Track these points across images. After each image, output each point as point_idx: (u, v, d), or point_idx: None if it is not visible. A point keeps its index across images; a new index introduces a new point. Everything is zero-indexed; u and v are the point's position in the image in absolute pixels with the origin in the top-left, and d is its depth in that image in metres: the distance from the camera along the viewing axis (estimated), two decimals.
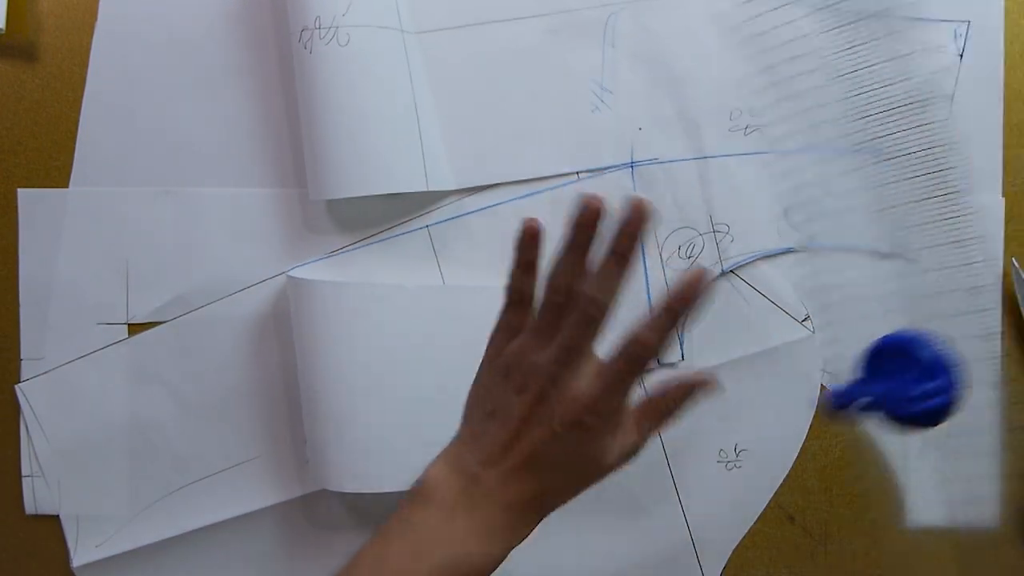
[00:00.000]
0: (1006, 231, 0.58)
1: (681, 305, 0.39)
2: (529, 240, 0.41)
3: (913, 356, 0.45)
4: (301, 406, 0.56)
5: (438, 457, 0.42)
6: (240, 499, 0.57)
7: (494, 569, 0.40)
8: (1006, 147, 0.58)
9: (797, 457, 0.58)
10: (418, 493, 0.41)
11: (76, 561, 0.57)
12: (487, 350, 0.43)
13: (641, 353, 0.39)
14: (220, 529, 0.57)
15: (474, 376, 0.43)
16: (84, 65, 0.56)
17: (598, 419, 0.40)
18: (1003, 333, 0.58)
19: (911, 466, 0.58)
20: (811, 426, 0.58)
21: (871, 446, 0.58)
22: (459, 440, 0.42)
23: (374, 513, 0.58)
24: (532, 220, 0.41)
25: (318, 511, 0.57)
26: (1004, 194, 0.58)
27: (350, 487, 0.54)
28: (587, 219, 0.40)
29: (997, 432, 0.58)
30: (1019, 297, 0.57)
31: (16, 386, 0.57)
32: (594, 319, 0.39)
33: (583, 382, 0.40)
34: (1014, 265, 0.57)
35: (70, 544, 0.57)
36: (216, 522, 0.57)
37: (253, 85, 0.56)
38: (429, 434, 0.53)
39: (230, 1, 0.56)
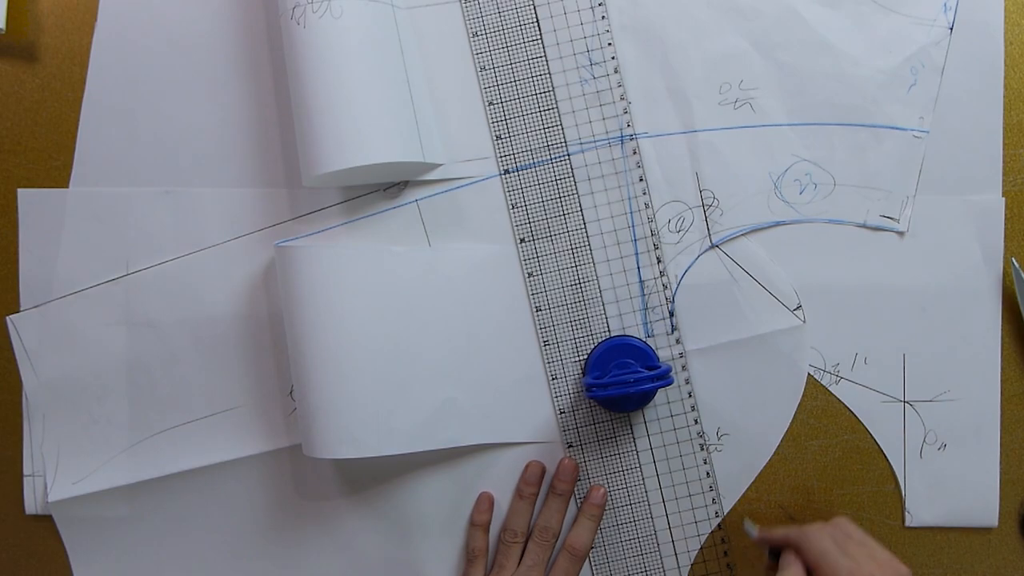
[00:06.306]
0: (1006, 231, 0.58)
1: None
2: (486, 506, 0.57)
3: (630, 351, 0.56)
4: (288, 366, 0.56)
5: None
6: (220, 447, 0.57)
7: None
8: (1006, 147, 0.58)
9: (797, 458, 0.58)
10: None
11: (51, 496, 0.57)
12: None
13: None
14: (197, 475, 0.57)
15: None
16: (84, 65, 0.56)
17: None
18: (1003, 333, 0.58)
19: (910, 466, 0.58)
20: (812, 427, 0.58)
21: (871, 446, 0.58)
22: None
23: (351, 469, 0.58)
24: (486, 492, 0.57)
25: (296, 463, 0.58)
26: (1004, 194, 0.58)
27: (341, 453, 0.53)
28: (532, 478, 0.57)
29: (996, 432, 0.58)
30: (1019, 297, 0.57)
31: (7, 317, 0.57)
32: (548, 541, 0.56)
33: None
34: (1014, 265, 0.57)
35: (48, 479, 0.57)
36: (194, 468, 0.57)
37: (253, 85, 0.57)
38: (414, 398, 0.56)
39: (230, 2, 0.56)
